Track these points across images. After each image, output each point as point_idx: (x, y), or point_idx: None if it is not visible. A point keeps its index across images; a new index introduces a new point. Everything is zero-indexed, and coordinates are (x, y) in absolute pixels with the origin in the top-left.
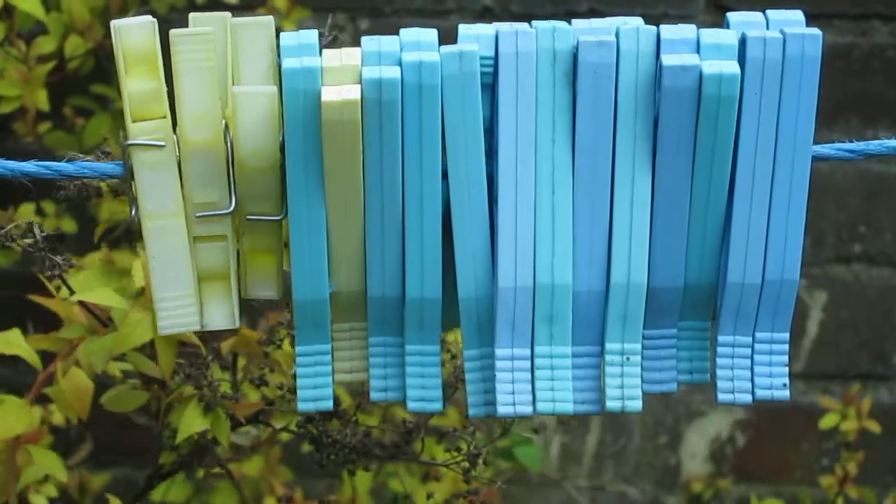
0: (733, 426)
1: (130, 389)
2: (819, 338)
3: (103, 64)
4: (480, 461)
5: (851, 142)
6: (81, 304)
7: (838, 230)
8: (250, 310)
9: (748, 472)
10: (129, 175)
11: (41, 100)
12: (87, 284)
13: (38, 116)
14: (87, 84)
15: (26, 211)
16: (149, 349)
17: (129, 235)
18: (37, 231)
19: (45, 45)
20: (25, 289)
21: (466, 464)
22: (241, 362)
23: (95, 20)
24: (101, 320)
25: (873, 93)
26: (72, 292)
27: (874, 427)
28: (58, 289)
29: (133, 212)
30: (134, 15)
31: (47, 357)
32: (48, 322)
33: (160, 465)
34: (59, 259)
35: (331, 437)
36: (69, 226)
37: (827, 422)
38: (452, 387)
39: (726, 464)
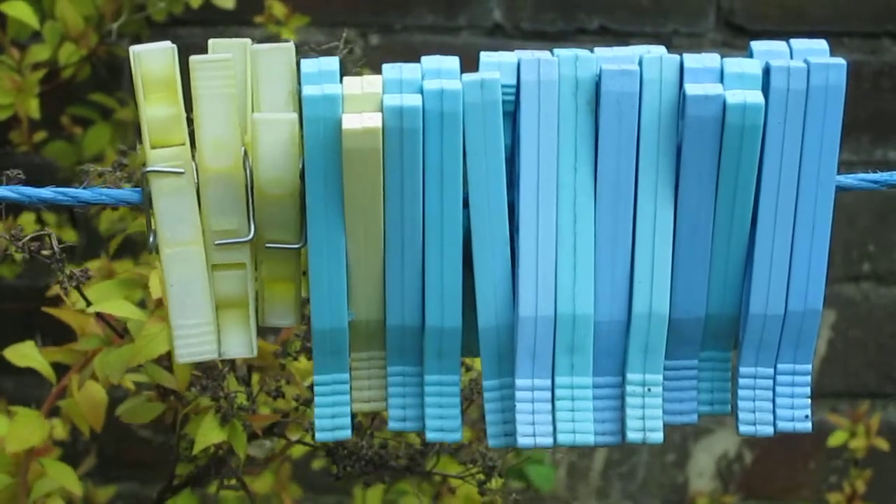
0: (741, 444)
1: (146, 401)
2: (828, 356)
3: (101, 72)
4: (496, 473)
5: (865, 165)
6: (98, 315)
7: (847, 249)
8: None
9: (756, 490)
10: (147, 202)
11: (33, 108)
12: (103, 295)
13: (34, 126)
14: (84, 93)
15: (27, 220)
16: (165, 360)
17: (130, 246)
18: (53, 242)
19: (40, 53)
20: (31, 301)
21: (482, 476)
22: (257, 376)
23: (89, 28)
24: (118, 331)
25: (883, 111)
26: (88, 303)
27: (883, 445)
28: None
29: (151, 239)
30: (127, 21)
31: (57, 370)
32: (57, 335)
33: (173, 478)
34: (77, 271)
35: (346, 450)
36: (70, 236)
37: (836, 440)
38: (468, 399)
39: (734, 482)
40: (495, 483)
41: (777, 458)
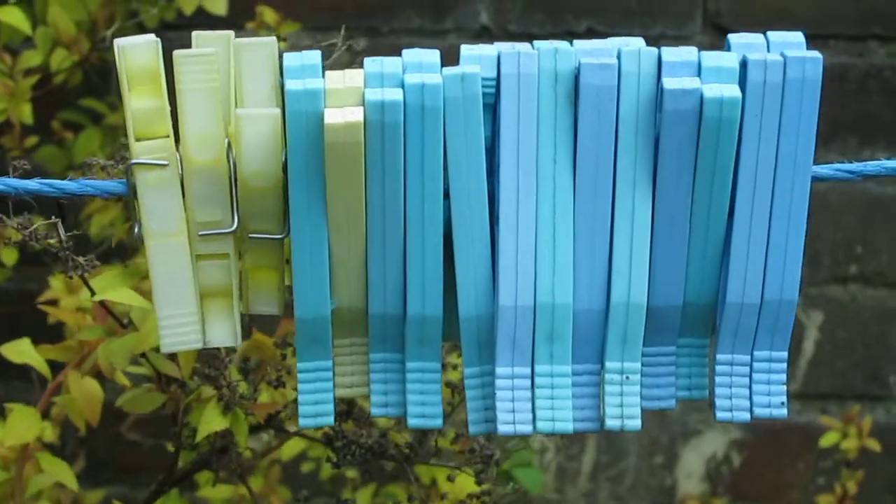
0: (729, 445)
1: (146, 392)
2: (815, 357)
3: (92, 78)
4: (493, 463)
5: (850, 162)
6: (102, 305)
7: (835, 250)
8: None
9: (744, 491)
10: (132, 194)
11: (25, 114)
12: (108, 284)
13: (26, 131)
14: (75, 98)
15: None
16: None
17: (119, 250)
18: (60, 231)
19: (32, 58)
20: (18, 305)
21: (480, 465)
22: (256, 366)
23: (81, 34)
24: (120, 322)
25: (870, 113)
26: (93, 293)
27: (874, 446)
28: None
29: (136, 230)
30: (120, 27)
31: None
32: (44, 338)
33: (168, 475)
34: (82, 259)
35: (346, 438)
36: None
37: (827, 440)
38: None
39: (722, 484)
40: (492, 473)
41: (765, 459)
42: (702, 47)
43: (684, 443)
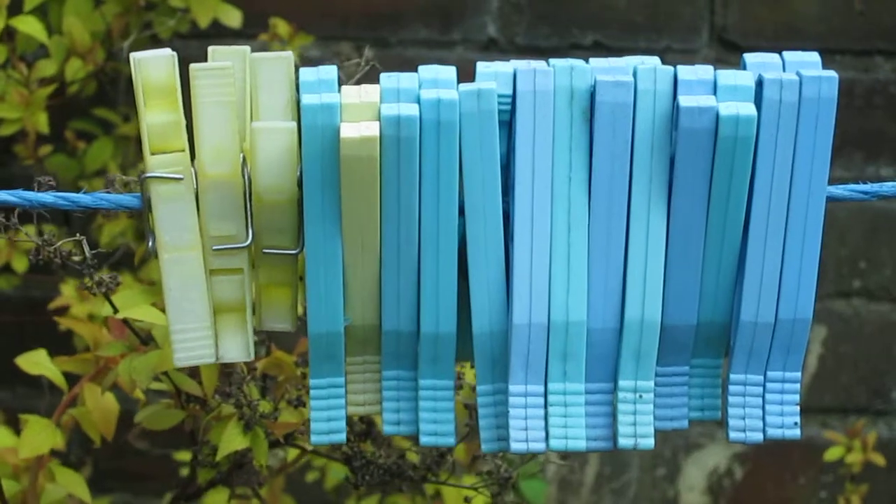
0: (731, 459)
1: (165, 408)
2: (818, 372)
3: (105, 88)
4: (510, 485)
5: (858, 181)
6: (122, 321)
7: (839, 265)
8: (285, 334)
9: None
10: (146, 207)
11: (41, 123)
12: (128, 302)
13: (39, 140)
14: (88, 107)
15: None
16: (188, 367)
17: (129, 260)
18: (86, 249)
19: (47, 68)
20: (24, 312)
21: (496, 487)
22: (278, 385)
23: (96, 44)
24: (141, 338)
25: (875, 129)
26: (115, 310)
27: (879, 460)
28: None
29: (150, 243)
30: (135, 39)
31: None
32: (52, 345)
33: (187, 486)
34: (106, 277)
35: (364, 458)
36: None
37: (832, 454)
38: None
39: (724, 497)
40: (509, 496)
41: (767, 473)
42: (708, 61)
43: (687, 456)
